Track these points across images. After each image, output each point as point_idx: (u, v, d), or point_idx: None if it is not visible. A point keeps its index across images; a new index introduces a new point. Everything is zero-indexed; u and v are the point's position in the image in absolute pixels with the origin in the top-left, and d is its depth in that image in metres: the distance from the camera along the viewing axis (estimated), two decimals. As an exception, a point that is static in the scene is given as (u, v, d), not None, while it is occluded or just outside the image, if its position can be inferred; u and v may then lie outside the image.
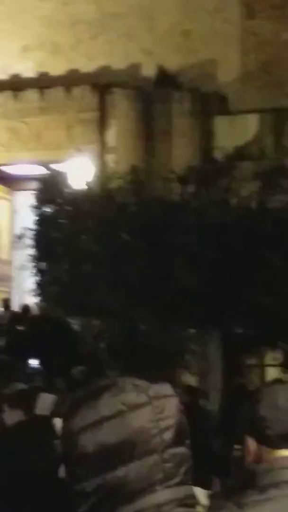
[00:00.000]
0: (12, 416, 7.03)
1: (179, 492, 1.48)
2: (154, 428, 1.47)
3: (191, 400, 9.28)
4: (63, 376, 8.62)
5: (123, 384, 1.51)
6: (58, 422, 7.01)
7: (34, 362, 11.58)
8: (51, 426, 6.61)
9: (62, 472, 4.61)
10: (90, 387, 1.54)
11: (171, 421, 1.49)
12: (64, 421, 1.54)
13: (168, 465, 1.47)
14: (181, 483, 1.48)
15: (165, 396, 1.52)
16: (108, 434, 1.46)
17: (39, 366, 11.32)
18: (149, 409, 1.48)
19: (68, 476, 1.51)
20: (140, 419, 1.47)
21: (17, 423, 6.69)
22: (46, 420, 6.75)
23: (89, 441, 1.46)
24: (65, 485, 1.52)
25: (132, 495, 1.45)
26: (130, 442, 1.46)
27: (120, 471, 1.45)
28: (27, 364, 11.36)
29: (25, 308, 15.59)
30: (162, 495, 1.46)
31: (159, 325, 12.72)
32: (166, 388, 1.54)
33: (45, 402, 7.81)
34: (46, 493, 5.15)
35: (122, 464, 1.45)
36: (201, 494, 2.42)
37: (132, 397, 1.48)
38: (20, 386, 8.02)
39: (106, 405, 1.48)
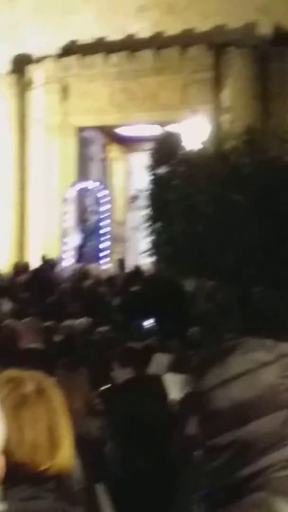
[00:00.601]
0: (122, 374, 7.13)
1: None
2: (282, 384, 1.52)
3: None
4: (178, 337, 8.67)
5: (251, 343, 1.57)
6: (169, 380, 7.06)
7: (148, 322, 11.68)
8: (161, 385, 6.65)
9: (190, 429, 4.61)
10: (218, 347, 1.57)
11: None
12: (193, 380, 1.58)
13: None
14: None
15: None
16: (239, 391, 1.52)
17: (153, 326, 11.41)
18: (277, 366, 1.53)
19: (199, 432, 1.53)
20: (269, 376, 1.52)
21: (126, 381, 6.77)
22: (156, 379, 6.81)
23: (221, 399, 1.52)
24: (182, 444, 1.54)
25: (262, 450, 1.50)
26: (260, 398, 1.51)
27: (252, 427, 1.50)
28: (141, 324, 11.47)
29: (139, 269, 15.71)
30: None
31: (272, 288, 12.61)
32: None
33: (159, 362, 7.86)
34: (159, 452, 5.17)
35: (253, 420, 1.51)
36: None
37: (260, 355, 1.54)
38: (133, 345, 8.12)
39: (236, 363, 1.54)
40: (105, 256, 19.54)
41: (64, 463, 2.11)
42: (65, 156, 20.41)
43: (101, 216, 19.99)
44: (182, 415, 4.90)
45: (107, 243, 19.88)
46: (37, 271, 15.87)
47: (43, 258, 16.71)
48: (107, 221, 19.88)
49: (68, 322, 10.48)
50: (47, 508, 2.01)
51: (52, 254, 17.81)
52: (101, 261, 19.13)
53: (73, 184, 20.13)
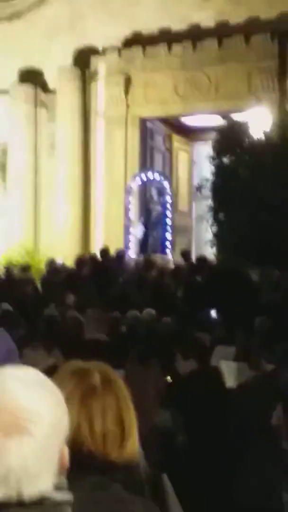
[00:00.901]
0: (185, 366, 7.06)
1: None
2: None
3: None
4: (244, 328, 8.54)
5: None
6: (224, 368, 6.95)
7: (213, 313, 11.56)
8: (220, 378, 6.56)
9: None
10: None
11: None
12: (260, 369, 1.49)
13: None
14: None
15: None
16: None
17: (218, 317, 11.28)
18: None
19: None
20: None
21: (189, 372, 6.69)
22: (216, 371, 6.72)
23: None
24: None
25: None
26: None
27: None
28: (206, 315, 11.35)
29: (203, 259, 15.58)
30: None
31: None
32: None
33: (223, 353, 7.77)
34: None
35: None
36: None
37: None
38: (197, 336, 8.05)
39: None
40: (169, 247, 19.46)
41: (132, 453, 2.12)
42: (128, 147, 20.38)
43: (165, 207, 19.89)
44: (254, 403, 4.78)
45: (171, 234, 19.80)
46: (100, 262, 15.85)
47: (104, 250, 16.72)
48: (171, 212, 19.82)
49: (132, 313, 10.40)
50: (115, 498, 2.00)
51: (116, 246, 17.80)
52: (165, 252, 19.08)
53: (136, 175, 20.05)
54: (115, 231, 20.13)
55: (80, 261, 16.01)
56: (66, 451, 1.60)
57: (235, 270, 12.56)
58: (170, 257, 18.98)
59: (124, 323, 10.07)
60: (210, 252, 16.83)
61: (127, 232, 19.97)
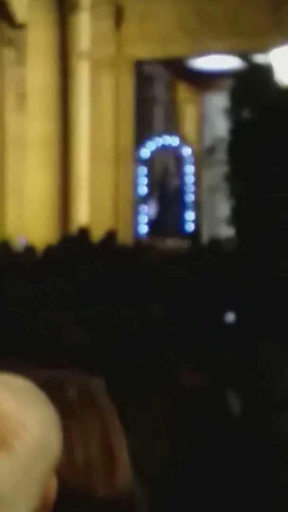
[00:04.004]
0: (192, 380, 7.02)
1: None
2: None
3: None
4: (273, 329, 8.29)
5: None
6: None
7: (231, 311, 11.40)
8: (225, 396, 6.59)
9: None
10: None
11: None
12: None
13: None
14: None
15: None
16: None
17: (238, 316, 11.11)
18: None
19: None
20: None
21: (197, 387, 6.70)
22: (223, 388, 6.70)
23: None
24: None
25: None
26: None
27: None
28: (221, 317, 11.18)
29: (217, 242, 15.51)
30: None
31: None
32: None
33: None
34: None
35: None
36: None
37: None
38: (211, 341, 7.84)
39: None
40: (190, 229, 19.77)
41: (123, 486, 2.11)
42: (120, 98, 20.34)
43: (184, 180, 20.14)
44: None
45: (192, 213, 20.12)
46: (78, 245, 15.81)
47: (84, 230, 16.73)
48: (193, 186, 20.13)
49: (133, 310, 10.24)
50: None
51: (104, 227, 17.77)
52: (185, 235, 19.32)
53: (146, 140, 20.35)
54: (103, 208, 20.12)
55: (53, 245, 16.02)
56: (53, 484, 1.58)
57: (260, 257, 12.43)
58: (175, 241, 19.07)
59: (119, 323, 9.90)
60: (226, 233, 16.73)
61: (137, 210, 20.21)
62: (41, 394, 1.63)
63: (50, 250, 15.78)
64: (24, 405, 1.57)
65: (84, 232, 16.55)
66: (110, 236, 16.73)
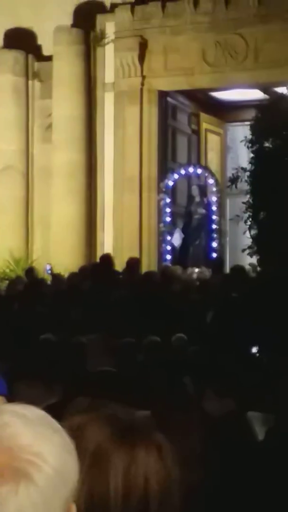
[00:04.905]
0: (219, 406, 6.97)
1: None
2: None
3: None
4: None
5: None
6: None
7: (255, 340, 11.42)
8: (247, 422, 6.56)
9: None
10: None
11: None
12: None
13: None
14: None
15: None
16: None
17: (263, 344, 11.13)
18: None
19: None
20: None
21: (225, 414, 6.66)
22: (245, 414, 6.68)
23: None
24: None
25: None
26: None
27: None
28: (246, 342, 11.21)
29: (240, 270, 15.46)
30: None
31: None
32: None
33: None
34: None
35: None
36: None
37: None
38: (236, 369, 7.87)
39: None
40: (213, 258, 19.80)
41: None
42: (144, 129, 20.38)
43: (211, 209, 20.31)
44: None
45: (216, 242, 20.28)
46: (101, 273, 15.74)
47: (107, 256, 16.70)
48: (217, 216, 20.30)
49: (152, 339, 10.32)
50: None
51: (128, 255, 17.75)
52: (209, 264, 19.25)
53: (170, 170, 20.38)
54: (127, 235, 20.14)
55: (79, 273, 16.01)
56: (74, 509, 1.60)
57: (283, 285, 12.38)
58: (198, 269, 18.96)
59: (141, 351, 10.00)
60: (248, 262, 16.74)
61: (162, 240, 20.29)
62: (55, 423, 1.64)
63: (73, 279, 15.80)
64: (40, 436, 1.58)
65: (107, 260, 16.48)
66: (133, 264, 16.66)
